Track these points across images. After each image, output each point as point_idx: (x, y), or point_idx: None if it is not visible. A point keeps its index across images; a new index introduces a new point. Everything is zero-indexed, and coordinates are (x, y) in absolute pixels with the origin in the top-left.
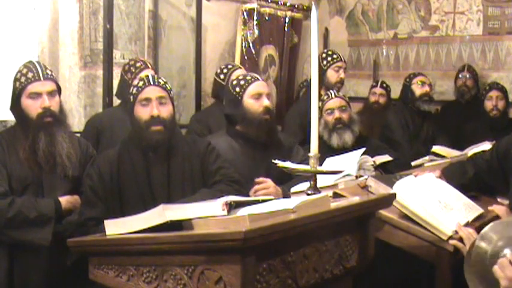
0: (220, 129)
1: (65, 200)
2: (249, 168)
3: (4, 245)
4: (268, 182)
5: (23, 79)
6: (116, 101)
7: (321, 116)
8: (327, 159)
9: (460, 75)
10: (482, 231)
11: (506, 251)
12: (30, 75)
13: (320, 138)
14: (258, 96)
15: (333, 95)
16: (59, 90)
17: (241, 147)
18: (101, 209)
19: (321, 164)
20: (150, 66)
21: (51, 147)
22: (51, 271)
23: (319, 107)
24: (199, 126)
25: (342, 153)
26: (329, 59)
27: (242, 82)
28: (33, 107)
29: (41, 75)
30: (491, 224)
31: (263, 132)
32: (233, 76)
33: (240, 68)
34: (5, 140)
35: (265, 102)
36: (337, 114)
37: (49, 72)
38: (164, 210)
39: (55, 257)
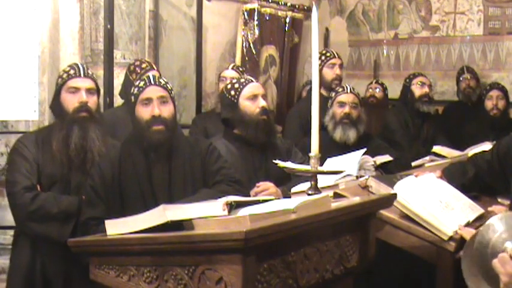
0: (218, 133)
1: None
2: (247, 171)
3: (29, 236)
4: (268, 183)
5: (64, 75)
6: (116, 101)
7: (330, 107)
8: (328, 160)
9: (461, 78)
10: (490, 220)
11: (508, 244)
12: (71, 72)
13: (324, 128)
14: (253, 97)
15: (349, 90)
16: (98, 91)
17: (239, 151)
18: (102, 209)
19: (322, 162)
20: (155, 68)
21: (83, 141)
22: (71, 263)
23: (330, 97)
24: (196, 129)
25: (344, 149)
26: (323, 58)
27: (236, 85)
28: (70, 101)
29: (81, 72)
30: (500, 214)
31: (262, 133)
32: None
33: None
34: (40, 137)
35: (262, 102)
36: (347, 109)
37: (90, 73)
38: (165, 210)
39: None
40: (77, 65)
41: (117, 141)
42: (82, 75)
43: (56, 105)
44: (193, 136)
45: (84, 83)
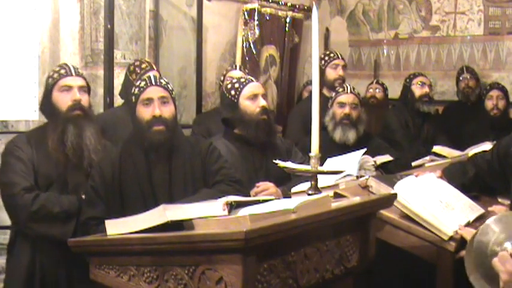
0: (219, 133)
1: None
2: (247, 171)
3: (28, 236)
4: (269, 183)
5: (55, 75)
6: (116, 101)
7: (330, 107)
8: (328, 160)
9: (461, 78)
10: (487, 221)
11: (507, 245)
12: (62, 71)
13: (324, 128)
14: (253, 97)
15: (349, 90)
16: (89, 90)
17: (239, 151)
18: (102, 209)
19: (322, 162)
20: (155, 68)
21: (79, 139)
22: (71, 264)
23: (330, 97)
24: (198, 128)
25: (344, 149)
26: (326, 58)
27: (237, 85)
28: (63, 100)
29: (73, 71)
30: (497, 215)
31: (262, 133)
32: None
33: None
34: (33, 137)
35: (262, 102)
36: (347, 110)
37: (80, 72)
38: (165, 210)
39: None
40: (66, 64)
41: (109, 142)
42: (73, 74)
43: (47, 105)
44: (194, 136)
45: (76, 82)
